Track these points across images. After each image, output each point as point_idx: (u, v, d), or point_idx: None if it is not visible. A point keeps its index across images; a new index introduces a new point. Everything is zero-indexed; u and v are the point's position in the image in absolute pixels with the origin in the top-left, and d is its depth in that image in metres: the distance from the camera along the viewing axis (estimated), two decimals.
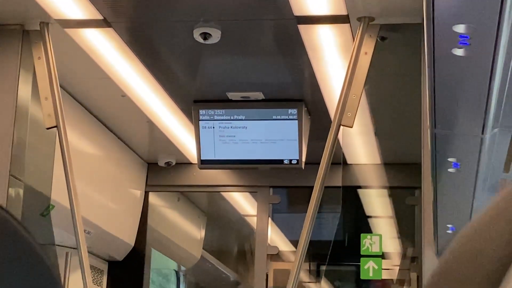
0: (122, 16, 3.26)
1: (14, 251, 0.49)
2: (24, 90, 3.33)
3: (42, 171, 3.81)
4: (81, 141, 4.30)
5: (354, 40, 3.21)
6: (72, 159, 3.39)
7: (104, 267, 5.07)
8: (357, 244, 4.41)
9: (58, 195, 3.76)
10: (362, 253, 4.35)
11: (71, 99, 4.13)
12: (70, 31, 3.37)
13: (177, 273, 6.49)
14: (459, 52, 1.69)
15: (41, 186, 3.79)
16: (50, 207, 3.83)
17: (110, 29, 3.33)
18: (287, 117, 4.09)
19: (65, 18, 3.26)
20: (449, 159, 2.34)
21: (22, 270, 0.49)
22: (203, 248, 6.15)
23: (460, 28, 1.61)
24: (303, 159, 4.15)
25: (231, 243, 6.88)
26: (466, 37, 1.61)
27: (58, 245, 4.20)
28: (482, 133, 2.06)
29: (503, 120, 2.08)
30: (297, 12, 3.14)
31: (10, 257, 0.49)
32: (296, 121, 4.07)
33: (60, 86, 3.41)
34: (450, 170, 2.40)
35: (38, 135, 3.54)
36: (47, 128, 3.37)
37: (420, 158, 3.07)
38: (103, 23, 3.28)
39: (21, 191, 3.29)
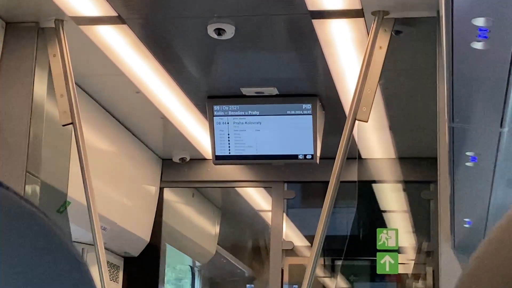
0: (136, 13, 3.26)
1: (47, 248, 0.49)
2: (40, 88, 3.34)
3: (58, 168, 3.82)
4: (96, 138, 4.32)
5: (368, 35, 3.20)
6: (88, 155, 3.40)
7: (120, 263, 5.09)
8: (372, 239, 4.39)
9: (74, 191, 3.78)
10: (378, 247, 4.33)
11: (86, 96, 4.14)
12: (85, 28, 3.38)
13: (192, 268, 6.51)
14: (478, 45, 1.68)
15: (58, 182, 3.81)
16: (67, 203, 3.84)
17: (124, 26, 3.34)
18: (301, 112, 4.08)
19: (80, 15, 3.26)
20: (467, 153, 2.33)
21: (55, 268, 0.49)
22: (218, 244, 6.16)
23: (479, 22, 1.60)
24: (318, 154, 4.15)
25: (246, 238, 6.89)
26: (486, 30, 1.60)
27: (74, 241, 4.21)
28: (501, 126, 2.05)
29: None
30: (311, 6, 3.13)
31: (42, 253, 0.48)
32: (311, 116, 4.06)
33: (75, 83, 3.42)
34: (467, 164, 2.39)
35: (54, 132, 3.55)
36: (63, 125, 3.38)
37: (435, 152, 3.06)
38: (118, 20, 3.28)
39: (37, 188, 3.30)
